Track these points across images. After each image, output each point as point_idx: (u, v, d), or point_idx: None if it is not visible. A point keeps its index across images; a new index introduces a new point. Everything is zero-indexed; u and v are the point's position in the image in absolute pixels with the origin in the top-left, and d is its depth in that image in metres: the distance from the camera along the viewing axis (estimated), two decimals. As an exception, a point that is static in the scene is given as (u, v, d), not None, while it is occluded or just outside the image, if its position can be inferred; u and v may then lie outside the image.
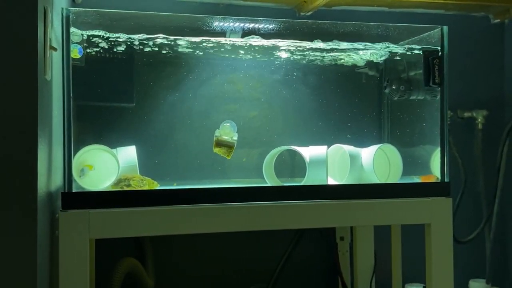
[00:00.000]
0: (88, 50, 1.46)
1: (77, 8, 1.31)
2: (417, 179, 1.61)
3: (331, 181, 1.56)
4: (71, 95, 1.26)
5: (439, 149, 1.53)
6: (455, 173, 2.01)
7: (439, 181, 1.52)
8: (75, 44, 1.34)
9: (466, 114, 2.09)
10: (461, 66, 2.07)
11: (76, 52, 1.34)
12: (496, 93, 2.16)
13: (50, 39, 1.09)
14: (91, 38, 1.46)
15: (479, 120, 2.08)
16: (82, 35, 1.40)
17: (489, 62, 2.16)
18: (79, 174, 1.37)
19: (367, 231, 1.93)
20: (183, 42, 1.55)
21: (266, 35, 1.53)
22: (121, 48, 1.52)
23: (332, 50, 1.65)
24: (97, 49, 1.49)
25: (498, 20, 2.13)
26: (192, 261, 1.90)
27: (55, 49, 1.12)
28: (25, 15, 0.95)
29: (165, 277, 1.87)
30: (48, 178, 1.19)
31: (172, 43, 1.54)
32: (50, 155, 1.21)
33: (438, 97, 1.53)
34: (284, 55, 1.68)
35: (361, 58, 1.72)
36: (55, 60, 1.27)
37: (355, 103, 1.79)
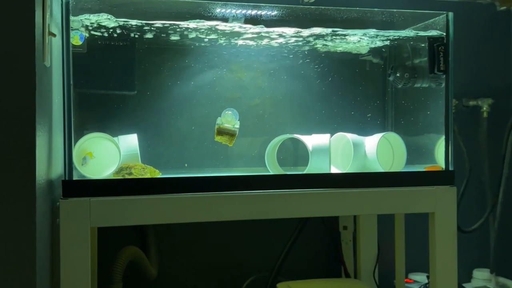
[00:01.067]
0: (89, 37, 1.44)
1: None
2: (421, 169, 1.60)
3: (334, 170, 1.55)
4: (71, 82, 1.25)
5: (443, 137, 1.51)
6: (459, 162, 1.99)
7: (444, 169, 1.50)
8: (76, 31, 1.33)
9: (472, 103, 2.07)
10: (466, 54, 2.05)
11: (77, 39, 1.33)
12: (502, 81, 2.14)
13: (49, 25, 1.08)
14: (92, 24, 1.44)
15: (485, 108, 2.06)
16: (82, 21, 1.39)
17: (495, 50, 2.13)
18: (81, 163, 1.37)
19: (370, 220, 1.92)
20: (185, 29, 1.53)
21: (268, 21, 1.51)
22: (122, 34, 1.50)
23: (334, 36, 1.63)
24: (98, 36, 1.48)
25: (504, 7, 2.09)
26: (194, 249, 1.90)
27: (54, 35, 1.11)
28: (23, 0, 0.94)
29: (168, 265, 1.87)
30: (48, 166, 1.18)
31: (175, 29, 1.53)
32: (50, 143, 1.20)
33: (443, 85, 1.51)
34: (287, 42, 1.66)
35: (365, 45, 1.70)
36: (56, 47, 1.26)
37: (359, 91, 1.78)
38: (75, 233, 1.21)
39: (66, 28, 1.23)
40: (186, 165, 1.52)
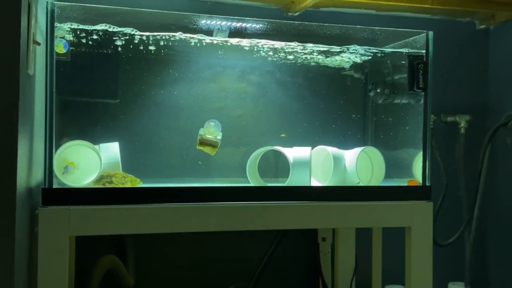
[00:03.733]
0: (72, 45, 1.44)
1: (63, 2, 1.30)
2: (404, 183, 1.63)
3: (314, 183, 1.57)
4: (54, 90, 1.24)
5: (421, 152, 1.54)
6: (436, 176, 2.03)
7: (421, 185, 1.53)
8: (60, 39, 1.33)
9: (449, 119, 2.10)
10: (445, 71, 2.09)
11: (61, 47, 1.33)
12: (480, 98, 2.18)
13: (33, 33, 1.08)
14: (76, 32, 1.44)
15: (462, 124, 2.10)
16: (67, 29, 1.39)
17: (473, 68, 2.18)
18: (63, 171, 1.36)
19: (348, 232, 1.94)
20: (169, 39, 1.54)
21: (252, 35, 1.53)
22: (106, 43, 1.51)
23: (316, 52, 1.65)
24: (82, 44, 1.48)
25: (484, 26, 2.15)
26: (173, 259, 1.90)
27: (38, 44, 1.11)
28: (8, 8, 0.94)
29: (145, 275, 1.86)
30: (29, 173, 1.17)
31: (158, 40, 1.53)
32: (31, 150, 1.19)
33: (422, 101, 1.54)
34: (270, 55, 1.69)
35: (347, 61, 1.73)
36: (39, 54, 1.26)
37: (340, 105, 1.80)
38: (54, 241, 1.20)
39: (51, 36, 1.23)
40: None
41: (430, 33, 1.52)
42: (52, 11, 1.24)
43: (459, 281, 2.17)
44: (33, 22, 1.06)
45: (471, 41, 2.17)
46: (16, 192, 0.97)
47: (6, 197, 0.95)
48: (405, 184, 1.60)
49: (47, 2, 1.25)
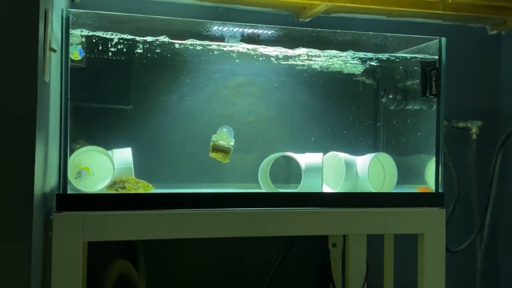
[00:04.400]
0: (88, 52, 1.45)
1: (77, 10, 1.31)
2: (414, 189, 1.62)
3: (326, 189, 1.57)
4: (69, 96, 1.25)
5: (433, 159, 1.53)
6: (448, 182, 2.02)
7: (433, 191, 1.53)
8: (75, 46, 1.34)
9: (461, 124, 2.10)
10: (457, 76, 2.08)
11: (76, 54, 1.34)
12: (491, 104, 2.18)
13: (50, 40, 1.09)
14: (90, 39, 1.45)
15: (474, 130, 2.09)
16: (82, 36, 1.40)
17: (485, 73, 2.17)
18: (75, 176, 1.37)
19: (359, 238, 1.93)
20: (182, 45, 1.55)
21: (264, 41, 1.54)
22: (120, 50, 1.52)
23: (329, 57, 1.65)
24: (96, 51, 1.49)
25: (495, 32, 2.14)
26: (183, 264, 1.90)
27: (54, 51, 1.12)
28: (27, 17, 0.95)
29: (156, 279, 1.86)
30: (44, 179, 1.18)
31: (171, 46, 1.54)
32: (46, 156, 1.20)
33: (434, 107, 1.54)
34: (281, 61, 1.69)
35: (359, 66, 1.73)
36: (53, 61, 1.27)
37: (352, 111, 1.80)
38: (68, 247, 1.21)
39: (66, 43, 1.24)
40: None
41: (443, 39, 1.51)
42: (67, 18, 1.25)
43: (471, 287, 2.16)
44: (49, 29, 1.07)
45: (483, 46, 2.17)
46: (33, 198, 0.98)
47: (23, 204, 0.96)
48: (417, 191, 1.60)
49: (62, 9, 1.26)
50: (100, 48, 1.49)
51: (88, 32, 1.42)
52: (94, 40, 1.46)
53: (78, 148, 1.38)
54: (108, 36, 1.46)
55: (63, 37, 1.24)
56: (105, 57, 1.51)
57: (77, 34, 1.38)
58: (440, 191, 1.52)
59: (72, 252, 1.21)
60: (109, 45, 1.49)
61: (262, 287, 1.82)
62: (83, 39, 1.40)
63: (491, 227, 2.08)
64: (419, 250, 1.49)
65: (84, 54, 1.38)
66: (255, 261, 1.93)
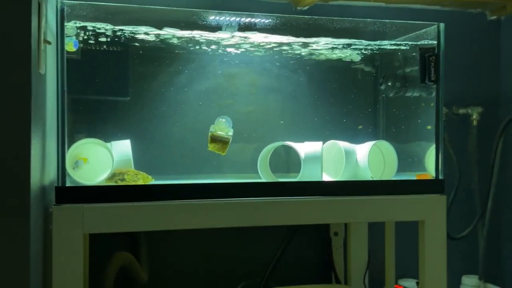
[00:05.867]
0: (83, 43, 1.45)
1: (72, 1, 1.30)
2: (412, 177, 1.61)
3: (326, 177, 1.56)
4: (66, 88, 1.25)
5: (433, 146, 1.53)
6: (449, 169, 2.01)
7: (434, 178, 1.52)
8: (70, 38, 1.33)
9: (461, 111, 2.09)
10: (457, 63, 2.07)
11: (71, 46, 1.33)
12: (492, 90, 2.16)
13: (44, 32, 1.08)
14: (85, 31, 1.44)
15: (474, 117, 2.08)
16: (77, 27, 1.39)
17: (485, 59, 2.16)
18: (73, 166, 1.36)
19: (361, 227, 1.93)
20: (178, 36, 1.54)
21: (261, 29, 1.52)
22: (116, 41, 1.51)
23: (327, 44, 1.64)
24: (92, 43, 1.48)
25: (495, 17, 2.13)
26: (185, 255, 1.90)
27: (49, 43, 1.11)
28: (19, 8, 0.94)
29: (158, 271, 1.87)
30: (42, 172, 1.18)
31: (168, 37, 1.53)
32: (43, 149, 1.20)
33: (434, 94, 1.53)
34: (279, 50, 1.68)
35: (357, 54, 1.72)
36: (49, 53, 1.26)
37: (351, 99, 1.79)
38: (68, 239, 1.21)
39: (61, 35, 1.23)
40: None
41: (442, 25, 1.50)
42: (62, 10, 1.24)
43: (473, 274, 2.16)
44: (43, 21, 1.06)
45: (482, 32, 2.15)
46: (30, 191, 0.97)
47: (20, 197, 0.96)
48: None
49: (57, 1, 1.25)
50: (96, 39, 1.48)
51: (83, 24, 1.41)
52: (89, 31, 1.45)
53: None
54: (103, 27, 1.45)
55: (58, 29, 1.23)
56: (101, 48, 1.50)
57: (72, 25, 1.37)
58: (440, 177, 1.51)
59: (72, 245, 1.21)
60: (105, 36, 1.48)
61: (264, 277, 1.82)
62: (78, 31, 1.39)
63: (492, 214, 2.07)
64: (420, 237, 1.49)
65: (79, 45, 1.37)
66: (257, 251, 1.93)
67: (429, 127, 1.58)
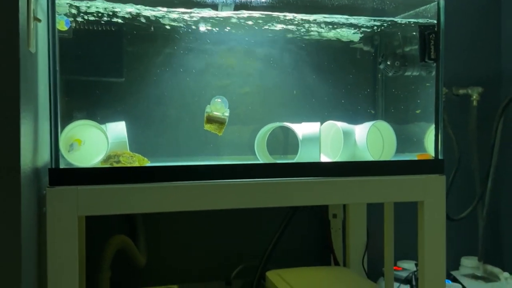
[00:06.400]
0: (76, 22, 1.42)
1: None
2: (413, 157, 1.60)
3: (324, 158, 1.54)
4: (58, 68, 1.22)
5: (433, 126, 1.51)
6: (449, 150, 2.00)
7: (433, 158, 1.50)
8: (61, 16, 1.30)
9: (461, 91, 2.07)
10: (457, 42, 2.05)
11: (63, 24, 1.30)
12: (492, 70, 2.14)
13: (34, 9, 1.06)
14: (78, 9, 1.41)
15: (474, 97, 2.06)
16: (68, 5, 1.36)
17: (486, 38, 2.13)
18: (68, 149, 1.34)
19: (359, 208, 1.92)
20: (174, 14, 1.51)
21: (258, 7, 1.49)
22: (110, 20, 1.48)
23: (325, 23, 1.61)
24: (85, 21, 1.45)
25: (496, -4, 2.10)
26: (183, 238, 1.90)
27: (39, 20, 1.08)
28: (6, -17, 0.91)
29: (157, 253, 1.86)
30: (35, 154, 1.16)
31: (163, 15, 1.50)
32: (36, 131, 1.18)
33: (434, 73, 1.51)
34: (277, 29, 1.65)
35: (356, 32, 1.69)
36: (41, 32, 1.23)
37: (350, 79, 1.77)
38: (62, 222, 1.19)
39: (52, 13, 1.21)
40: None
41: (442, 2, 1.47)
42: (53, -13, 1.21)
43: (472, 255, 2.16)
44: (33, -2, 1.03)
45: (483, 10, 2.12)
46: (20, 172, 0.95)
47: (10, 177, 0.94)
48: (416, 159, 1.57)
49: (47, -22, 1.22)
50: (89, 17, 1.45)
51: (75, 2, 1.38)
52: (82, 10, 1.42)
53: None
54: (95, 5, 1.42)
55: (49, 7, 1.20)
56: (95, 27, 1.47)
57: (64, 3, 1.33)
58: (440, 157, 1.49)
59: (67, 227, 1.20)
60: (99, 15, 1.45)
61: (262, 259, 1.81)
62: (71, 8, 1.36)
63: (492, 195, 2.06)
64: (419, 218, 1.48)
65: (71, 24, 1.34)
66: (255, 233, 1.92)
67: (418, 111, 1.57)
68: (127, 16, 1.49)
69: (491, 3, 2.11)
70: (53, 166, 1.24)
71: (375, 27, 1.67)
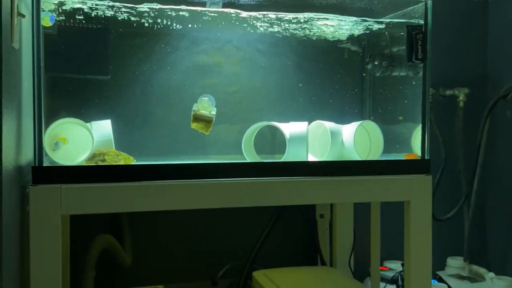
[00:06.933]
0: (61, 19, 1.40)
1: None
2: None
3: (312, 158, 1.54)
4: (42, 65, 1.20)
5: (420, 126, 1.51)
6: (435, 150, 2.00)
7: (420, 158, 1.51)
8: (46, 12, 1.28)
9: (448, 92, 2.08)
10: (444, 43, 2.06)
11: (47, 20, 1.28)
12: (478, 71, 2.15)
13: (17, 5, 1.04)
14: (64, 5, 1.39)
15: (461, 98, 2.07)
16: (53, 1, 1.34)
17: (472, 40, 2.15)
18: (53, 148, 1.33)
19: (346, 208, 1.92)
20: (161, 12, 1.49)
21: (246, 6, 1.49)
22: (96, 17, 1.46)
23: (312, 22, 1.61)
24: (71, 18, 1.43)
25: (483, -3, 2.11)
26: (169, 237, 1.88)
27: (23, 16, 1.07)
28: (-12, -23, 0.90)
29: (142, 253, 1.84)
30: (17, 151, 1.14)
31: (150, 12, 1.49)
32: (19, 128, 1.16)
33: (421, 73, 1.51)
34: (264, 28, 1.64)
35: (344, 32, 1.69)
36: (25, 28, 1.21)
37: (337, 79, 1.77)
38: (46, 220, 1.17)
39: (37, 8, 1.19)
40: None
41: (429, 2, 1.48)
42: (37, -18, 1.19)
43: (458, 255, 2.17)
44: (16, -7, 1.01)
45: (470, 12, 2.13)
46: (1, 170, 0.94)
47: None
48: (404, 158, 1.58)
49: (32, -27, 1.20)
50: (75, 14, 1.43)
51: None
52: (68, 6, 1.40)
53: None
54: (82, 1, 1.40)
55: (33, 2, 1.18)
56: (80, 24, 1.45)
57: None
58: (426, 158, 1.50)
59: (50, 226, 1.18)
60: (84, 12, 1.43)
61: (249, 259, 1.80)
62: (56, 4, 1.35)
63: (478, 195, 2.07)
64: (405, 217, 1.48)
65: (56, 20, 1.32)
66: (242, 233, 1.91)
67: (401, 118, 1.57)
68: (112, 12, 1.47)
69: (478, 4, 2.13)
70: (37, 164, 1.22)
71: (363, 28, 1.67)
